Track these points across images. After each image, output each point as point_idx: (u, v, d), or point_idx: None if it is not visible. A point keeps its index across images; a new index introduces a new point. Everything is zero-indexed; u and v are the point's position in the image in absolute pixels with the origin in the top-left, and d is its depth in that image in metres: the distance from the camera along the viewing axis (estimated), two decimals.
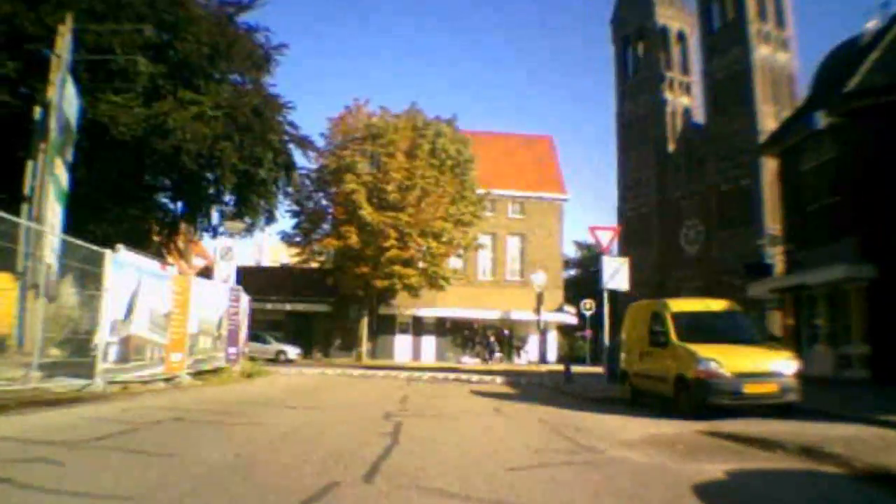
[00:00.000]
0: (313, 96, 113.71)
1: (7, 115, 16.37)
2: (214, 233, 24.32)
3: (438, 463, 5.47)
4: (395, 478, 4.73)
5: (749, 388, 9.76)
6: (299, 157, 25.45)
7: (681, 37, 55.32)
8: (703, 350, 10.17)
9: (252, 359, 21.61)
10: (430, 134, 35.23)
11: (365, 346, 36.67)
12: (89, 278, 10.46)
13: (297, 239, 37.31)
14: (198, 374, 14.35)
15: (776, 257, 25.38)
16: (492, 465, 5.47)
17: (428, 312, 39.07)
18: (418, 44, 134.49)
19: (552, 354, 39.23)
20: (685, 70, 54.93)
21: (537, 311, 30.16)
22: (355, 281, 34.37)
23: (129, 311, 10.89)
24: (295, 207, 35.87)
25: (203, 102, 19.19)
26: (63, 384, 9.43)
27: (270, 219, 24.99)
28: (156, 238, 24.07)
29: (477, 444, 6.78)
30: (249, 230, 23.88)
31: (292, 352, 34.10)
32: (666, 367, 11.02)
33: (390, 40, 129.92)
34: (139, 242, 19.01)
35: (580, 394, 15.36)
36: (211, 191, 22.74)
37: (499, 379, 21.33)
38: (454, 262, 37.52)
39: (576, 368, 21.29)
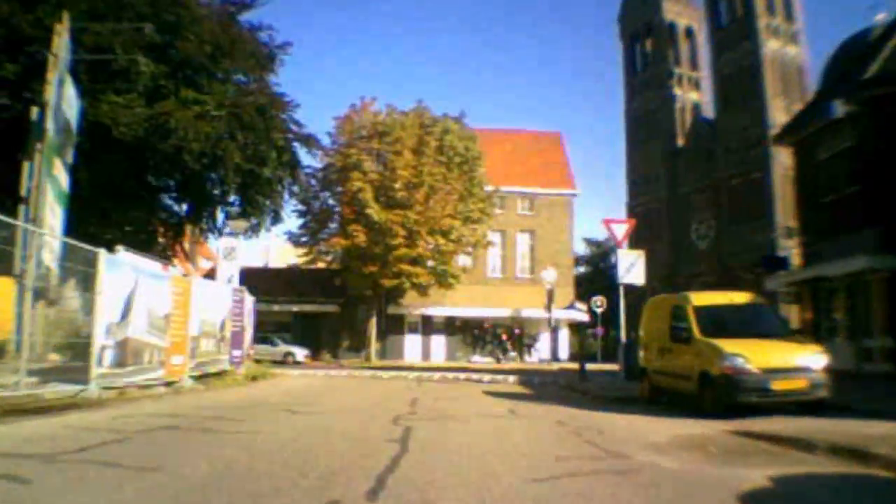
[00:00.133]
0: (320, 96, 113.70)
1: (8, 118, 16.10)
2: (220, 234, 24.04)
3: (451, 474, 4.96)
4: (404, 494, 4.22)
5: (777, 385, 9.28)
6: (305, 157, 25.26)
7: (689, 32, 54.73)
8: (728, 345, 9.71)
9: (257, 361, 21.26)
10: (438, 131, 34.77)
11: (374, 346, 36.17)
12: (90, 280, 10.06)
13: (304, 239, 36.90)
14: (200, 378, 13.96)
15: (791, 250, 24.98)
16: (511, 476, 4.96)
17: (437, 311, 38.61)
18: (426, 41, 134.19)
19: (564, 352, 38.68)
20: (694, 65, 54.35)
21: (548, 308, 29.78)
22: (363, 280, 33.99)
23: (126, 312, 10.46)
24: (301, 207, 35.32)
25: (206, 102, 18.91)
26: (55, 390, 9.00)
27: (276, 219, 24.76)
28: (161, 240, 23.83)
29: (493, 451, 6.27)
30: (254, 230, 23.59)
31: (300, 353, 33.78)
32: (688, 363, 10.58)
33: (397, 38, 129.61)
34: (145, 245, 18.77)
35: (597, 392, 14.95)
36: (215, 191, 22.45)
37: (511, 378, 20.92)
38: (463, 260, 37.07)
39: (589, 366, 20.85)
